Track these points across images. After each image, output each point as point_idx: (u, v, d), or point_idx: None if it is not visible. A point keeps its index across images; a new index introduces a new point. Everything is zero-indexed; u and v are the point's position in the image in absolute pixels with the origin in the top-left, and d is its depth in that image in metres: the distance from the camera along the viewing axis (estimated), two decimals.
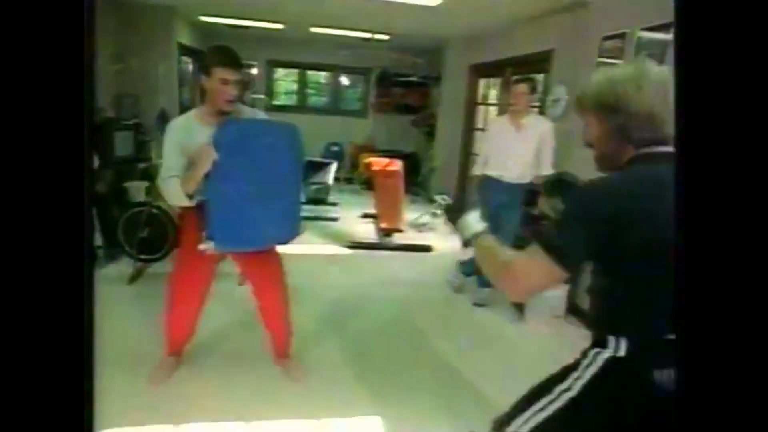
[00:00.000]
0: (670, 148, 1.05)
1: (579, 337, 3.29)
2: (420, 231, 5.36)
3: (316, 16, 5.62)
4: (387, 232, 4.68)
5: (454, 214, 1.39)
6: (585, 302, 3.36)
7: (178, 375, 2.39)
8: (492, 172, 3.31)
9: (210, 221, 1.93)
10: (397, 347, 2.91)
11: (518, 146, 3.18)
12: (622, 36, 3.00)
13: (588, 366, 1.15)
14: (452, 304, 3.57)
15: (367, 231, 5.12)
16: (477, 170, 3.48)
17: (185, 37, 6.27)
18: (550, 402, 1.18)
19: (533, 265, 1.08)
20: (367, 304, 3.48)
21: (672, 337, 1.00)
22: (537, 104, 4.23)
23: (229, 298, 3.10)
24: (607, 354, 1.11)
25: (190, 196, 1.97)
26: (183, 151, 1.97)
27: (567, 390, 1.16)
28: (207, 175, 1.90)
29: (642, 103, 1.04)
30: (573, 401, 1.15)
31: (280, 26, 6.38)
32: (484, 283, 3.56)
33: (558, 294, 3.35)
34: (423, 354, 2.84)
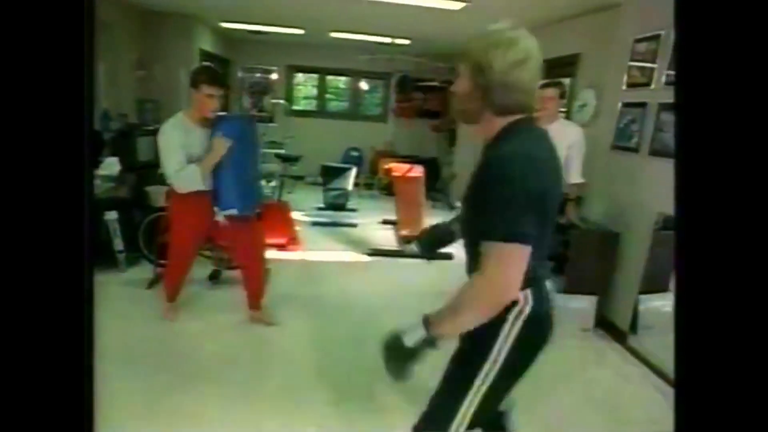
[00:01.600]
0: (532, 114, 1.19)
1: (607, 349, 3.18)
2: None
3: (337, 21, 5.60)
4: (407, 240, 4.60)
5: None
6: (614, 315, 3.24)
7: (197, 379, 2.36)
8: None
9: (227, 195, 2.55)
10: (420, 364, 2.82)
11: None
12: (656, 38, 2.87)
13: (510, 329, 1.20)
14: None
15: (386, 237, 5.04)
16: None
17: (206, 44, 6.32)
18: (481, 386, 1.25)
19: (515, 260, 1.06)
20: (387, 315, 3.39)
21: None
22: (563, 109, 4.12)
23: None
24: (525, 311, 1.19)
25: (204, 180, 2.51)
26: (184, 147, 2.46)
27: (494, 364, 1.22)
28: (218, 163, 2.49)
29: (502, 71, 1.10)
30: (502, 370, 1.22)
31: (300, 32, 6.38)
32: None
33: (586, 306, 3.22)
34: (440, 362, 2.75)
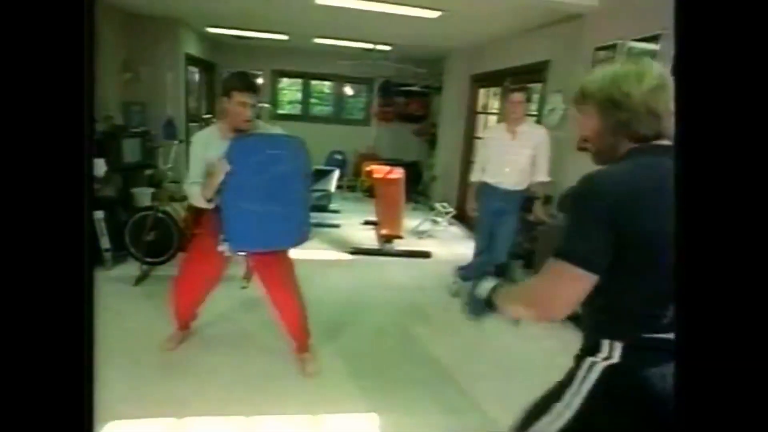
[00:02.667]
0: (665, 141, 1.06)
1: (577, 341, 3.35)
2: (420, 238, 5.43)
3: (320, 28, 5.76)
4: (387, 239, 4.76)
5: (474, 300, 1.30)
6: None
7: (181, 371, 2.48)
8: (489, 179, 3.39)
9: (225, 226, 2.19)
10: (395, 350, 2.98)
11: (514, 153, 3.27)
12: (613, 47, 3.09)
13: (584, 379, 1.09)
14: (450, 309, 3.63)
15: (368, 238, 5.20)
16: (475, 177, 3.56)
17: (192, 48, 6.42)
18: (550, 423, 1.13)
19: (560, 279, 1.01)
20: (366, 307, 3.55)
21: (666, 336, 1.03)
22: (534, 113, 4.33)
23: (234, 300, 3.19)
24: (603, 363, 1.06)
25: (209, 200, 2.22)
26: (204, 161, 2.23)
27: (566, 407, 1.10)
28: (222, 185, 2.15)
29: (642, 99, 1.05)
30: (573, 419, 1.09)
31: (284, 37, 6.52)
32: None
33: None
34: (420, 357, 2.90)
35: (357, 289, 3.86)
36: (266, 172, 2.20)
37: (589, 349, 1.09)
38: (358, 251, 4.74)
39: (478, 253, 3.58)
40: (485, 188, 3.42)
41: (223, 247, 2.22)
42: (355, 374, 2.62)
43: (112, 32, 5.16)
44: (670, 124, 1.05)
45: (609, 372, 1.05)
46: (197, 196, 2.23)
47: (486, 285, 1.26)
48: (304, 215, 2.40)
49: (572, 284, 0.99)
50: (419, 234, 5.53)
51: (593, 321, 1.13)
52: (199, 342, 2.81)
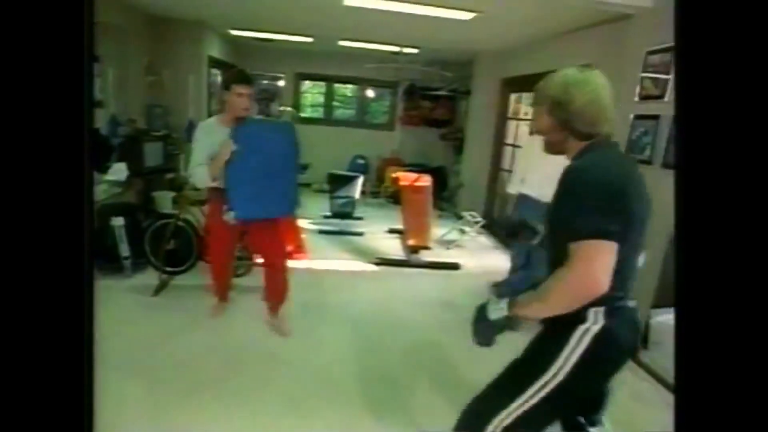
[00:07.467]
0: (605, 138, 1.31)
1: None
2: (448, 248, 5.21)
3: (347, 30, 5.60)
4: (414, 249, 4.56)
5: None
6: None
7: (205, 391, 2.32)
8: (530, 192, 3.16)
9: (230, 198, 2.57)
10: (425, 369, 2.78)
11: (560, 164, 3.03)
12: (669, 50, 2.84)
13: (577, 343, 1.23)
14: None
15: (392, 246, 5.01)
16: (513, 189, 3.34)
17: (215, 50, 6.34)
18: (536, 393, 1.27)
19: (599, 254, 1.13)
20: (393, 323, 3.35)
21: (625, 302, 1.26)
22: None
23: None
24: (594, 327, 1.23)
25: (214, 179, 2.57)
26: (208, 147, 2.58)
27: (554, 376, 1.25)
28: (227, 163, 2.50)
29: (583, 103, 1.26)
30: (562, 384, 1.24)
31: (309, 39, 6.39)
32: None
33: None
34: (451, 376, 2.70)
35: (384, 304, 3.66)
36: (264, 152, 2.57)
37: (575, 318, 1.22)
38: (383, 262, 4.54)
39: (514, 269, 3.36)
40: (525, 201, 3.19)
41: (228, 216, 2.57)
42: (381, 396, 2.42)
43: (136, 35, 5.09)
44: (609, 126, 1.29)
45: (597, 337, 1.22)
46: (203, 176, 2.57)
47: (499, 304, 1.32)
48: (294, 189, 2.81)
49: (608, 256, 1.14)
50: (446, 244, 5.31)
51: None
52: (220, 357, 2.66)
